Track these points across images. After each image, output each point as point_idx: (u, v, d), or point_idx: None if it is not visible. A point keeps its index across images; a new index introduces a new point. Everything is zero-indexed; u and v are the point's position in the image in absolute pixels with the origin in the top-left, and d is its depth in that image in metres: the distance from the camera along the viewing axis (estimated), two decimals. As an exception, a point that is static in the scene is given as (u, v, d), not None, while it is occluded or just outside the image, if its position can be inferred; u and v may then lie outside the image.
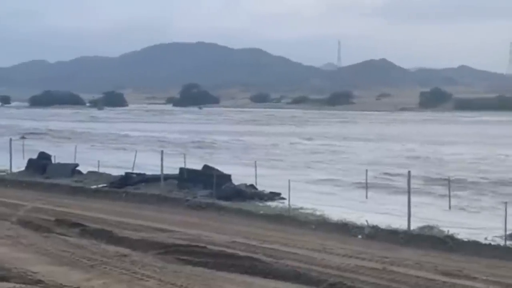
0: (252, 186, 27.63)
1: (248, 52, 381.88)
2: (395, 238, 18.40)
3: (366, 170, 27.73)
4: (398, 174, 33.21)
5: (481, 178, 34.21)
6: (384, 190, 29.39)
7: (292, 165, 40.15)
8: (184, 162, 29.72)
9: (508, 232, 18.07)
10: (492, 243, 17.47)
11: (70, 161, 33.80)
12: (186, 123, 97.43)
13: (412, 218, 19.45)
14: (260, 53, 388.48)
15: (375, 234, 18.84)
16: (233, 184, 26.60)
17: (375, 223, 19.51)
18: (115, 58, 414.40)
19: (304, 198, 24.67)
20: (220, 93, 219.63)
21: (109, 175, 30.59)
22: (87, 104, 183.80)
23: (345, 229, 19.60)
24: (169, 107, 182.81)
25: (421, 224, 19.56)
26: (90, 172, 31.52)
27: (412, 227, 19.11)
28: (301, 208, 22.96)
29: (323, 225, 20.20)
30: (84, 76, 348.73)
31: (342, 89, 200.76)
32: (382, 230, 19.05)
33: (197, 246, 16.04)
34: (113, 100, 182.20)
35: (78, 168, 32.34)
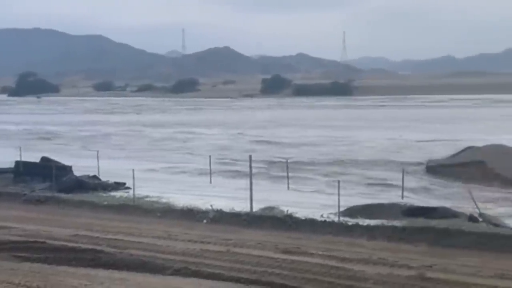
0: (95, 177, 26.92)
1: (89, 39, 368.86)
2: (239, 220, 18.96)
3: (210, 156, 28.18)
4: (242, 160, 34.12)
5: (319, 158, 36.18)
6: (229, 174, 30.07)
7: (137, 154, 39.64)
8: (20, 154, 28.22)
9: (341, 209, 19.36)
10: (327, 220, 18.61)
11: None
12: (24, 114, 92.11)
13: (254, 201, 20.11)
14: (102, 39, 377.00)
15: (220, 218, 19.27)
16: (75, 176, 25.74)
17: (219, 207, 19.93)
18: None
19: (149, 187, 24.53)
20: (61, 82, 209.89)
21: None
22: None
23: (191, 215, 19.83)
24: (4, 97, 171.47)
25: (263, 206, 20.30)
26: None
27: (254, 209, 19.78)
28: (147, 196, 22.81)
29: (168, 212, 20.27)
30: None
31: (187, 77, 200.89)
32: (226, 213, 19.53)
33: (35, 242, 15.39)
34: None
35: None
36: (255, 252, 15.14)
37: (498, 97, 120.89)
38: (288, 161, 30.06)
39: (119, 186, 25.65)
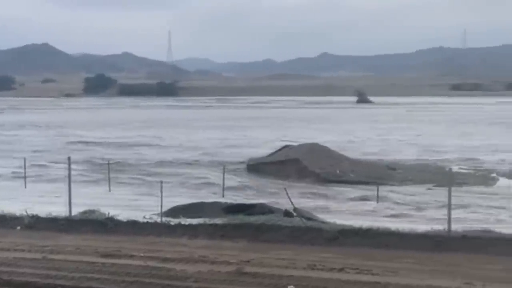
0: None
1: None
2: (56, 226, 18.14)
3: (24, 159, 26.69)
4: (61, 161, 32.74)
5: (143, 159, 35.88)
6: (46, 178, 28.72)
7: None
8: None
9: (164, 210, 19.39)
10: (150, 221, 18.51)
11: None
12: None
13: (73, 204, 19.38)
14: None
15: (35, 224, 18.29)
16: None
17: (35, 213, 18.93)
18: None
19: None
20: None
21: None
22: None
23: (3, 221, 18.59)
24: None
25: (82, 209, 19.64)
26: None
27: (73, 213, 19.05)
28: (-48, 204, 20.96)
29: (-23, 220, 18.80)
30: None
31: (1, 74, 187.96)
32: (43, 219, 18.58)
33: None
34: None
35: None
36: (74, 258, 14.61)
37: (312, 99, 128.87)
38: (110, 162, 29.43)
39: None
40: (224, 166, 26.97)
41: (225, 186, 25.09)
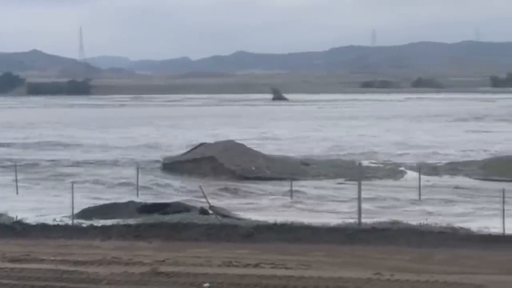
0: None
1: None
2: (-40, 231, 17.30)
3: None
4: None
5: (53, 160, 34.78)
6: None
7: None
8: None
9: (76, 211, 18.89)
10: (61, 223, 18.01)
11: None
12: None
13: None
14: None
15: None
16: None
17: None
18: None
19: None
20: None
21: None
22: None
23: None
24: None
25: (-12, 214, 18.83)
26: None
27: (-21, 218, 18.24)
28: None
29: None
30: None
31: None
32: None
33: None
34: None
35: None
36: (-19, 265, 13.97)
37: (229, 96, 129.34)
38: (20, 164, 28.38)
39: None
40: (138, 165, 26.57)
41: (141, 185, 24.74)
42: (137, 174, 24.51)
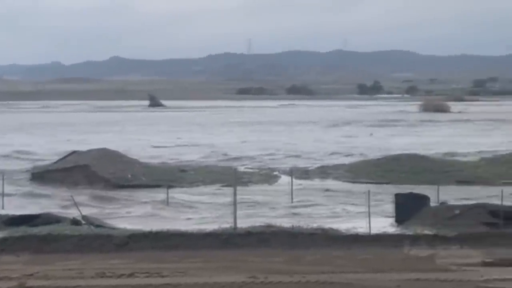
0: None
1: None
2: None
3: None
4: None
5: None
6: None
7: None
8: None
9: None
10: None
11: None
12: None
13: None
14: None
15: None
16: None
17: None
18: None
19: None
20: None
21: None
22: None
23: None
24: None
25: None
26: None
27: None
28: None
29: None
30: None
31: None
32: None
33: None
34: None
35: None
36: None
37: (104, 103, 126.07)
38: None
39: None
40: (3, 174, 25.11)
41: (6, 196, 23.44)
42: (2, 184, 23.21)
